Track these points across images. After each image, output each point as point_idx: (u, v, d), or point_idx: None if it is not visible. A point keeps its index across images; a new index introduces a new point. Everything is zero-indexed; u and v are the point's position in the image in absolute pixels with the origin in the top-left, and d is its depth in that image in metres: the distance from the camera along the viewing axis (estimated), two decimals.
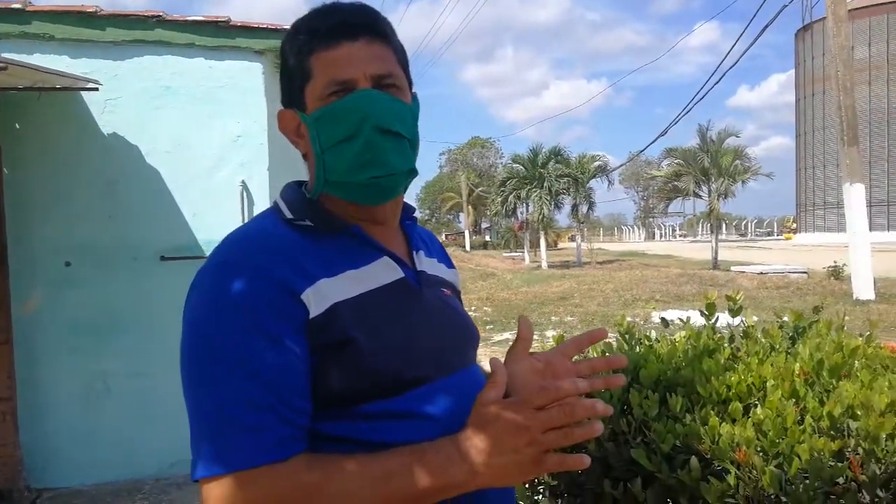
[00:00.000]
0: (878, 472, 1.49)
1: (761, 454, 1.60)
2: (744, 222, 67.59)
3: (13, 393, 3.87)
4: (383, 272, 1.02)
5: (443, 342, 1.02)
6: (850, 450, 1.59)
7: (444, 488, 0.87)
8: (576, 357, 1.11)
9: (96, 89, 4.03)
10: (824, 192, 43.29)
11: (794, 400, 1.79)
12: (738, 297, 2.41)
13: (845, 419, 1.66)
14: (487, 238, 55.23)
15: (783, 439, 1.60)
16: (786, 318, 2.44)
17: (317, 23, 1.00)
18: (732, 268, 19.75)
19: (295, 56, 1.01)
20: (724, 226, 55.63)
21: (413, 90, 1.08)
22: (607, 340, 2.37)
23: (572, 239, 33.33)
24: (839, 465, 1.51)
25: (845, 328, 2.37)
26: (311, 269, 0.94)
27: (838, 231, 30.64)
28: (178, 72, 4.36)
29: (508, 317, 11.89)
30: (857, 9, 39.09)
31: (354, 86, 0.98)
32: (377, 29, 1.02)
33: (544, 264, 27.06)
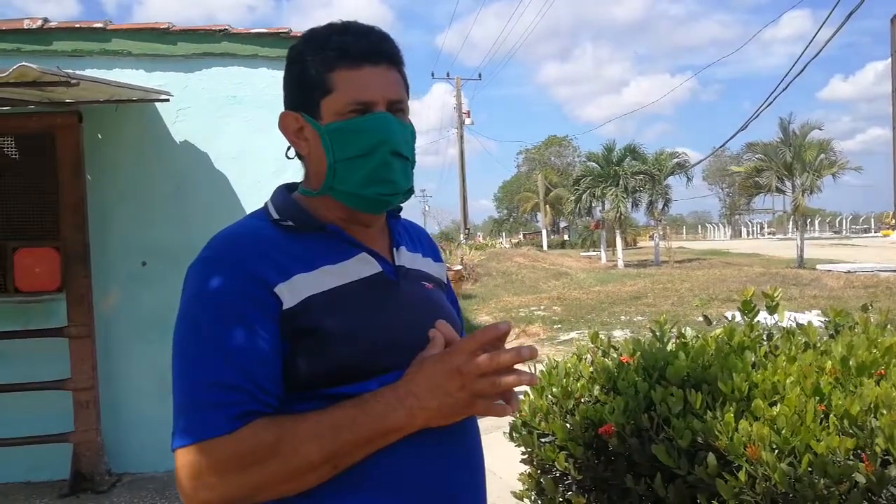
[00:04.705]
0: (892, 472, 1.46)
1: (776, 451, 1.60)
2: (838, 219, 64.33)
3: (95, 383, 4.17)
4: (360, 267, 1.10)
5: (416, 332, 1.08)
6: (868, 448, 1.57)
7: (388, 432, 0.98)
8: None
9: (168, 100, 4.30)
10: None
11: (817, 397, 1.77)
12: (775, 295, 2.37)
13: (868, 417, 1.64)
14: (566, 237, 54.56)
15: (797, 436, 1.59)
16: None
17: (346, 43, 1.08)
18: (818, 266, 18.84)
19: (317, 68, 1.08)
20: (816, 223, 53.01)
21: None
22: (638, 338, 2.39)
23: (652, 237, 32.54)
24: (850, 462, 1.49)
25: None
26: (287, 265, 1.03)
27: None
28: (244, 82, 4.61)
29: (577, 316, 11.79)
30: None
31: (373, 108, 1.07)
32: (397, 58, 1.12)
33: (620, 263, 26.56)
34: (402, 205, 1.24)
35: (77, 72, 3.60)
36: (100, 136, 4.47)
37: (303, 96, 1.11)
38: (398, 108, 1.10)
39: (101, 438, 4.20)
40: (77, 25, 4.38)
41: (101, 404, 4.23)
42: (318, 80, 1.08)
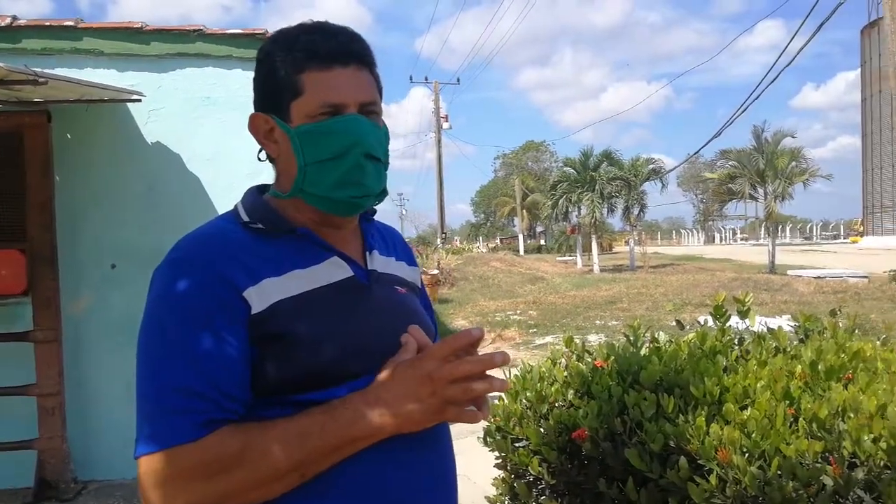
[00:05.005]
0: (859, 475, 1.48)
1: (746, 454, 1.61)
2: (809, 225, 65.48)
3: (61, 388, 4.07)
4: (331, 271, 1.08)
5: (388, 337, 1.06)
6: (836, 451, 1.58)
7: (356, 438, 0.96)
8: None
9: (140, 100, 4.23)
10: (893, 194, 41.48)
11: (787, 401, 1.78)
12: (747, 300, 2.39)
13: (836, 421, 1.66)
14: (542, 242, 54.81)
15: (767, 440, 1.60)
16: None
17: (315, 43, 1.05)
18: (789, 272, 19.14)
19: (286, 69, 1.06)
20: (787, 229, 53.86)
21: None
22: (612, 343, 2.40)
23: (628, 243, 32.84)
24: (818, 465, 1.51)
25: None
26: (256, 268, 1.01)
27: None
28: (218, 83, 4.54)
29: (553, 321, 11.83)
30: None
31: (343, 110, 1.05)
32: (368, 58, 1.09)
33: (596, 268, 26.75)
34: (375, 207, 1.22)
35: (46, 71, 3.53)
36: (69, 136, 4.38)
37: (272, 98, 1.08)
38: (370, 110, 1.08)
39: (66, 445, 4.09)
40: (47, 23, 4.29)
41: (69, 410, 4.13)
42: (287, 82, 1.06)
